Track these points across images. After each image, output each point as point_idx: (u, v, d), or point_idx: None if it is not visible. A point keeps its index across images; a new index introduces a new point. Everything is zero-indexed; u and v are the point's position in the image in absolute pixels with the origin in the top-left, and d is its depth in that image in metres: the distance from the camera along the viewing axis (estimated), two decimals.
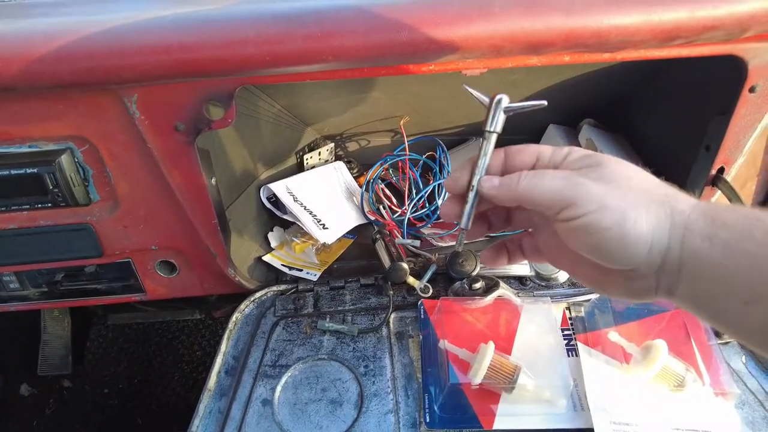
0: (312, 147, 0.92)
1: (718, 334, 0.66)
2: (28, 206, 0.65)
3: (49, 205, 0.64)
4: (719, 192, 0.68)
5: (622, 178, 0.35)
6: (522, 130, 0.96)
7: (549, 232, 0.42)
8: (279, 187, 0.80)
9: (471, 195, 0.40)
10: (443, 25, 0.46)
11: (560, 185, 0.35)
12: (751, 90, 0.60)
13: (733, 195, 0.66)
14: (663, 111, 0.79)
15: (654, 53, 0.56)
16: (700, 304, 0.34)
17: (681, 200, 0.34)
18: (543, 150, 0.39)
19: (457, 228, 0.45)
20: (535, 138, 0.92)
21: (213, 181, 0.65)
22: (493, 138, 0.40)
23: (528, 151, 0.40)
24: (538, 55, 0.54)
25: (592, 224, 0.34)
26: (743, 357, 0.65)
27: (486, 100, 0.40)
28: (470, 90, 0.41)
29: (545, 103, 0.41)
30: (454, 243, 0.81)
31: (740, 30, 0.50)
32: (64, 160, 0.61)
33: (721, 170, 0.67)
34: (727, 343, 0.66)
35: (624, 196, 0.34)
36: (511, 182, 0.37)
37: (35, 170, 0.60)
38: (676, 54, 0.56)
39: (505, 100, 0.40)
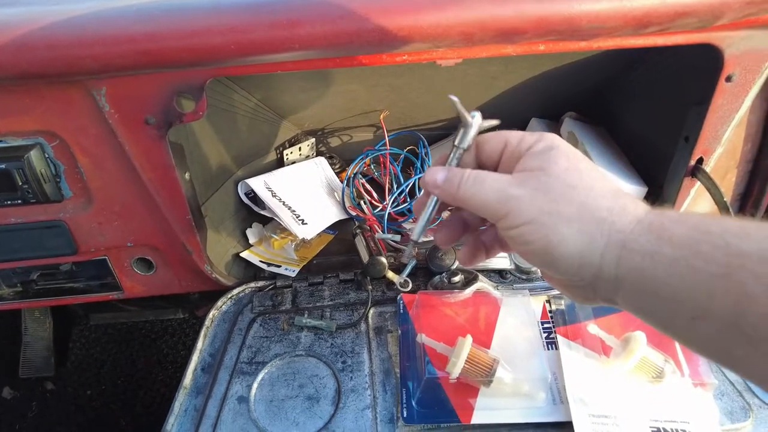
0: (292, 142, 0.91)
1: None
2: None
3: (19, 201, 0.63)
4: (699, 183, 0.68)
5: (563, 188, 0.33)
6: (505, 124, 0.95)
7: None
8: (257, 183, 0.79)
9: (430, 203, 0.40)
10: (411, 12, 0.46)
11: (494, 197, 0.34)
12: (728, 79, 0.59)
13: (712, 186, 0.66)
14: (643, 102, 0.79)
15: (630, 42, 0.56)
16: (645, 314, 0.33)
17: (626, 214, 0.33)
18: (510, 138, 0.38)
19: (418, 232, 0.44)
20: None
21: (187, 175, 0.64)
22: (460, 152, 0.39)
23: (496, 140, 0.39)
24: (512, 43, 0.53)
25: (520, 236, 0.34)
26: None
27: (468, 118, 0.38)
28: (454, 100, 0.39)
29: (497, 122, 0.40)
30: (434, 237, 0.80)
31: (713, 17, 0.49)
32: (34, 155, 0.60)
33: (700, 161, 0.67)
34: None
35: (557, 212, 0.33)
36: (452, 185, 0.37)
37: (3, 166, 0.59)
38: (651, 43, 0.56)
39: (479, 118, 0.39)
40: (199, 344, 0.68)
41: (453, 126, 0.93)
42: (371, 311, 0.70)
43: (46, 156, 0.62)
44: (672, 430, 0.55)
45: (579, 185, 0.34)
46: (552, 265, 0.34)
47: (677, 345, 0.62)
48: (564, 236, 0.32)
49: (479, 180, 0.36)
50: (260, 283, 0.75)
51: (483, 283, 0.68)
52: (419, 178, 0.84)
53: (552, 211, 0.33)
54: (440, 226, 0.42)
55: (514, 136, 0.38)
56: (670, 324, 0.32)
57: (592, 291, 0.35)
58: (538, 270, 0.73)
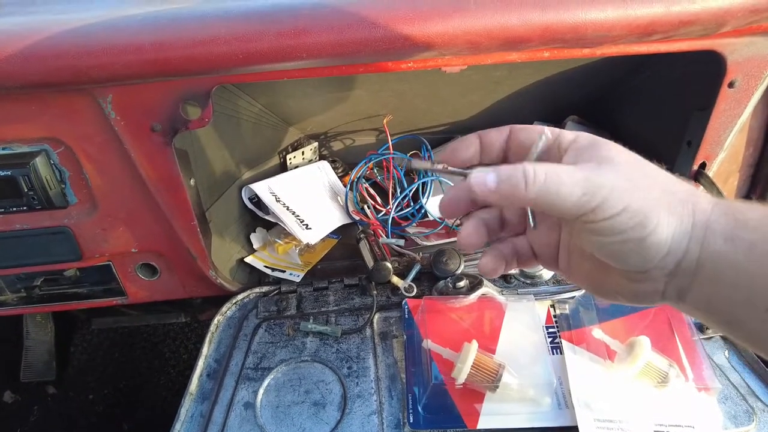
0: (295, 146, 0.92)
1: (701, 329, 0.66)
2: (2, 210, 0.64)
3: (25, 208, 0.63)
4: (701, 187, 0.68)
5: (640, 175, 0.32)
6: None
7: (543, 230, 0.38)
8: (261, 188, 0.79)
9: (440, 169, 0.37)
10: (418, 21, 0.46)
11: (580, 190, 0.31)
12: (730, 85, 0.60)
13: (714, 190, 0.66)
14: (646, 106, 0.80)
15: (633, 49, 0.56)
16: (715, 309, 0.32)
17: (701, 197, 0.32)
18: (548, 131, 0.36)
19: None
20: None
21: (192, 181, 0.64)
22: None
23: (532, 130, 0.36)
24: (517, 51, 0.53)
25: (614, 227, 0.31)
26: (726, 351, 0.65)
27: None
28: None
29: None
30: (439, 242, 0.81)
31: (716, 25, 0.50)
32: (39, 162, 0.60)
33: (703, 165, 0.67)
34: (710, 338, 0.66)
35: (646, 196, 0.31)
36: (516, 185, 0.32)
37: (9, 173, 0.59)
38: (655, 50, 0.56)
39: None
40: (204, 350, 0.68)
41: (456, 130, 0.93)
42: (376, 316, 0.70)
43: (52, 162, 0.62)
44: None
45: (650, 171, 0.32)
46: (641, 253, 0.31)
47: (681, 349, 0.62)
48: (659, 220, 0.31)
49: (554, 173, 0.31)
50: (265, 289, 0.75)
51: (488, 288, 0.68)
52: (424, 182, 0.84)
53: (640, 197, 0.31)
54: (463, 227, 0.38)
55: (550, 130, 0.36)
56: (743, 317, 0.31)
57: (664, 283, 0.33)
58: (550, 273, 0.72)
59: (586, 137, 0.34)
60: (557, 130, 0.36)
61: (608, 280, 0.35)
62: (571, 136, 0.35)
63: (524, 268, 0.42)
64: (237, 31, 0.46)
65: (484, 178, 0.33)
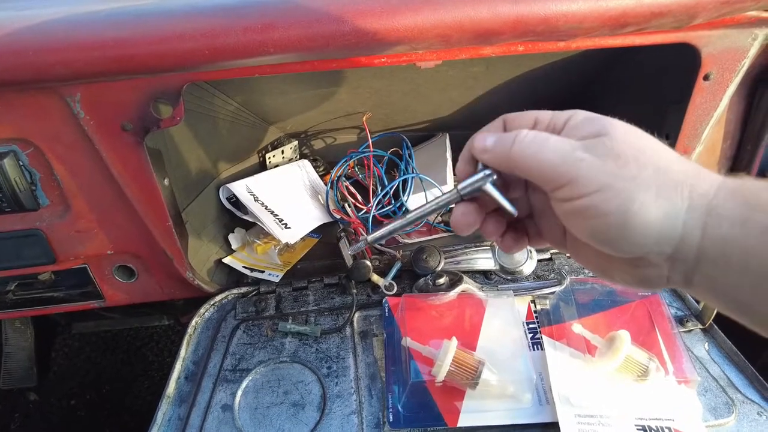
0: (275, 145, 0.91)
1: (681, 322, 0.67)
2: None
3: None
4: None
5: (632, 152, 0.30)
6: (485, 123, 0.95)
7: (549, 213, 0.37)
8: (239, 187, 0.78)
9: (408, 216, 0.38)
10: (387, 14, 0.45)
11: (559, 159, 0.30)
12: (706, 78, 0.60)
13: None
14: (624, 100, 0.79)
15: (608, 41, 0.56)
16: (722, 293, 0.30)
17: (703, 178, 0.30)
18: (540, 115, 0.35)
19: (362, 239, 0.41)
20: None
21: (166, 181, 0.63)
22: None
23: (525, 118, 0.36)
24: (490, 44, 0.53)
25: (591, 207, 0.30)
26: (706, 344, 0.65)
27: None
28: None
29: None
30: (420, 239, 0.80)
31: (688, 17, 0.49)
32: (7, 164, 0.59)
33: None
34: (690, 330, 0.66)
35: (632, 176, 0.29)
36: (505, 143, 0.33)
37: None
38: (630, 42, 0.56)
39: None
40: (182, 352, 0.67)
41: (436, 127, 0.93)
42: (356, 315, 0.69)
43: (21, 164, 0.60)
44: (657, 428, 0.56)
45: (647, 147, 0.30)
46: (627, 239, 0.30)
47: (661, 342, 0.62)
48: (643, 202, 0.29)
49: (541, 139, 0.32)
50: (243, 289, 0.74)
51: (468, 285, 0.68)
52: (405, 179, 0.84)
53: (626, 176, 0.29)
54: (456, 209, 0.37)
55: (544, 114, 0.35)
56: (754, 303, 0.29)
57: (668, 267, 0.31)
58: (531, 268, 0.72)
59: (582, 114, 0.33)
60: (550, 112, 0.35)
61: (612, 265, 0.34)
62: (566, 114, 0.34)
63: (534, 247, 0.41)
64: (203, 27, 0.45)
65: (485, 140, 0.34)
